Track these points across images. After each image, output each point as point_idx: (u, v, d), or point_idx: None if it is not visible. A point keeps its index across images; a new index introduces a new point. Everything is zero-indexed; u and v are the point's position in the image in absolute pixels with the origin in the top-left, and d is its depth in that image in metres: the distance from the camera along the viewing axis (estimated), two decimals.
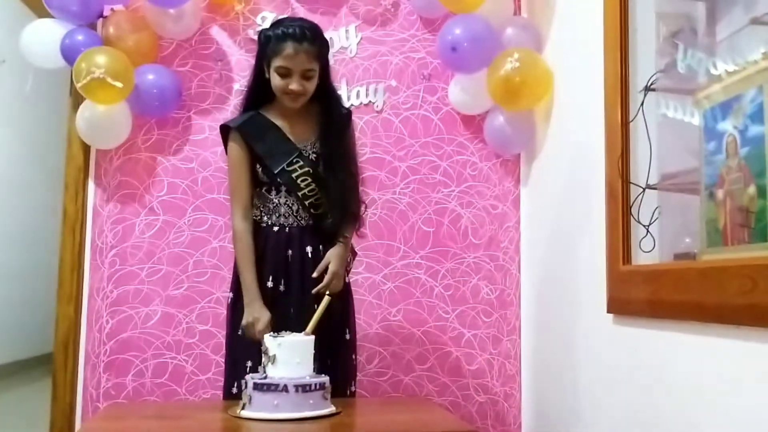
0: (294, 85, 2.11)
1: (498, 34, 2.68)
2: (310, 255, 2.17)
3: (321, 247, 2.18)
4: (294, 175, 2.15)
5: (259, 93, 2.21)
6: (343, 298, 2.23)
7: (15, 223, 5.63)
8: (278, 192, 2.19)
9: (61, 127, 3.00)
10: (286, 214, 2.18)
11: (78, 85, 2.53)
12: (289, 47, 2.08)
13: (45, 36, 2.67)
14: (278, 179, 2.17)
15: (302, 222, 2.19)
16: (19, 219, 5.69)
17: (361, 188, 2.30)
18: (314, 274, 2.12)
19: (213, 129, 2.83)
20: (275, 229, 2.18)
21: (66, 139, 2.83)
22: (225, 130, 2.24)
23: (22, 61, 2.78)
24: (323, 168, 2.18)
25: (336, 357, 2.15)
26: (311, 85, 2.15)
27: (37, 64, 2.74)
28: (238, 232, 2.16)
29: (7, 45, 4.00)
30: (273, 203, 2.19)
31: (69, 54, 2.59)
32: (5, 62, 4.90)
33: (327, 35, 2.85)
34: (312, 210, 2.18)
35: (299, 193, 2.16)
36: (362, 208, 2.28)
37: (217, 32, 2.88)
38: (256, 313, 2.06)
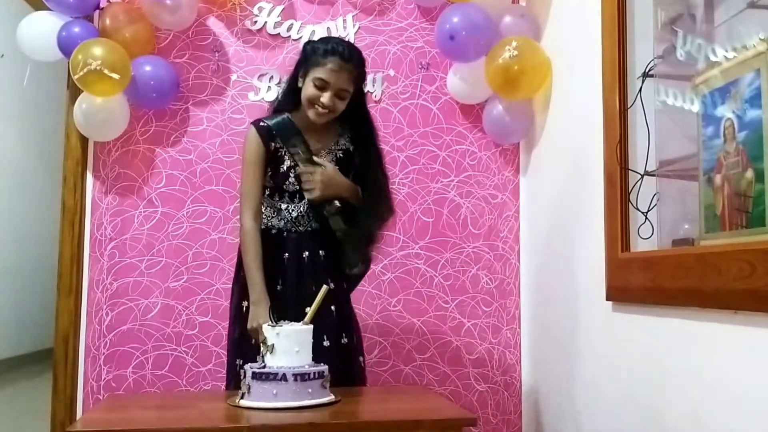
0: (325, 99, 2.11)
1: (496, 22, 2.67)
2: (306, 260, 2.18)
3: (321, 252, 2.19)
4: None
5: (289, 100, 2.24)
6: (344, 307, 2.23)
7: (13, 216, 5.63)
8: (281, 197, 2.20)
9: (59, 120, 2.99)
10: (286, 219, 2.19)
11: (75, 77, 2.52)
12: (334, 62, 2.10)
13: (42, 28, 2.67)
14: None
15: (300, 228, 2.19)
16: (17, 212, 5.69)
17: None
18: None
19: (211, 120, 2.83)
20: (273, 232, 2.20)
21: (64, 131, 2.82)
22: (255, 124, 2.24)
23: (19, 54, 2.77)
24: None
25: (343, 361, 2.15)
26: (341, 105, 2.15)
27: (35, 56, 2.74)
28: (248, 230, 2.16)
29: (5, 38, 3.99)
30: (274, 208, 2.20)
31: (66, 46, 2.58)
32: (3, 56, 4.88)
33: (324, 25, 2.89)
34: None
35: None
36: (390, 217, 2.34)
37: (213, 23, 2.87)
38: (261, 319, 2.04)
